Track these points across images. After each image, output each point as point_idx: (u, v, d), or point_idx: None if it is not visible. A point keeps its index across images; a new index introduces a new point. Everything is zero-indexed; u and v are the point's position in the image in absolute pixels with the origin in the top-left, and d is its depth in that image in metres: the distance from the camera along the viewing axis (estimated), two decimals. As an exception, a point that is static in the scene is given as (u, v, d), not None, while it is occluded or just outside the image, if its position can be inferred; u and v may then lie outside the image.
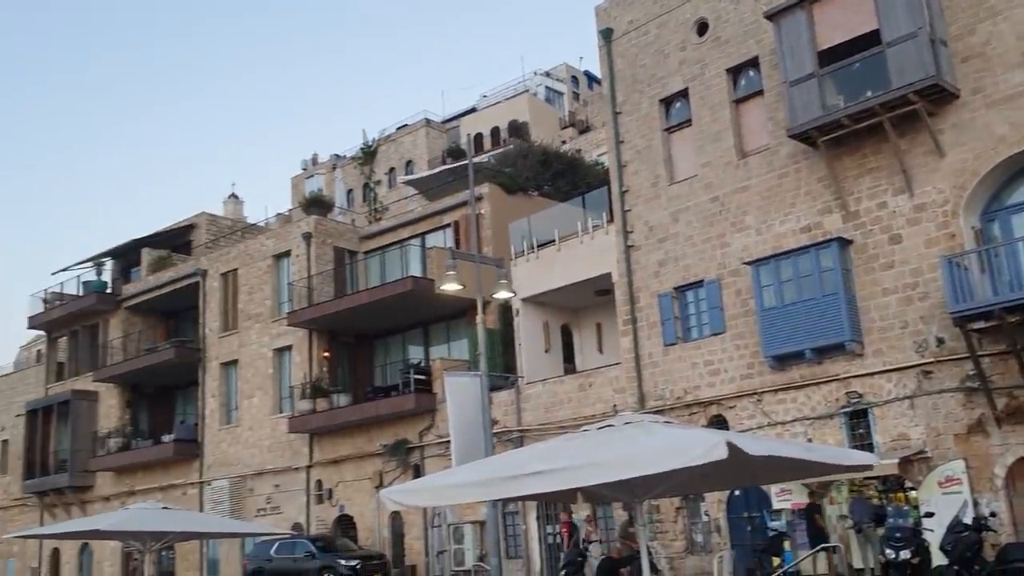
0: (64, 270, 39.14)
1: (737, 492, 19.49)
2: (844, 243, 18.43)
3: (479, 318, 14.63)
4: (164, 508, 16.66)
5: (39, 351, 47.57)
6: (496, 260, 16.25)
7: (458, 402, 14.01)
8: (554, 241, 24.50)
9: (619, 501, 15.38)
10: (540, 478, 9.04)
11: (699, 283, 20.94)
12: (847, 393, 18.25)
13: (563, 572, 17.27)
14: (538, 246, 24.81)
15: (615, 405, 21.36)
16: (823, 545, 17.30)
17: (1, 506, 39.83)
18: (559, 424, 22.43)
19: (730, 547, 19.44)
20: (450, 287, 14.50)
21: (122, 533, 14.89)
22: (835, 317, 18.16)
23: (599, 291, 24.17)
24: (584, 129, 47.27)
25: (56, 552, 36.75)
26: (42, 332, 41.21)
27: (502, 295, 15.00)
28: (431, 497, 11.55)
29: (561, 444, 10.22)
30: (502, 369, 24.63)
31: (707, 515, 20.24)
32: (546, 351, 25.37)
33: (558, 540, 23.01)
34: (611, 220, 23.14)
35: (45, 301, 38.96)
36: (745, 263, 19.85)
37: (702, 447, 6.38)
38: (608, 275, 22.86)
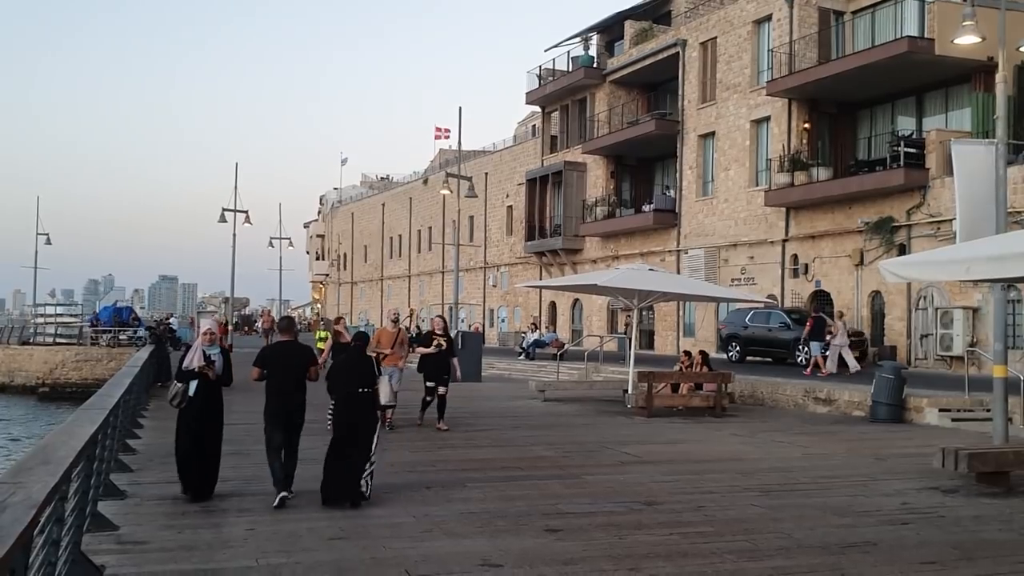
0: (556, 46, 41.64)
1: None
2: None
3: (999, 76, 12.54)
4: (651, 270, 17.73)
5: (534, 126, 52.08)
6: (1027, 6, 13.64)
7: (966, 174, 12.43)
8: (1100, -17, 20.06)
9: None
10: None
11: None
12: None
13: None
14: (1077, -9, 20.53)
15: None
16: None
17: (508, 263, 45.87)
18: (1086, 205, 19.35)
19: None
20: (966, 40, 12.52)
21: (616, 289, 16.08)
22: None
23: None
24: None
25: (553, 305, 41.66)
26: (537, 108, 45.00)
27: (1032, 48, 12.67)
28: (936, 271, 10.72)
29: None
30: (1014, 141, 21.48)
31: None
32: (1075, 120, 21.54)
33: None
34: None
35: (539, 77, 42.10)
36: None
37: None
38: None
